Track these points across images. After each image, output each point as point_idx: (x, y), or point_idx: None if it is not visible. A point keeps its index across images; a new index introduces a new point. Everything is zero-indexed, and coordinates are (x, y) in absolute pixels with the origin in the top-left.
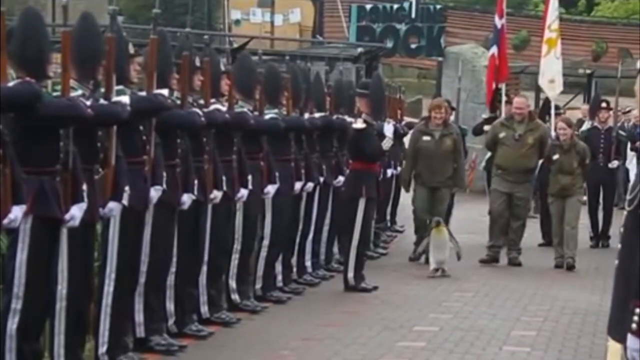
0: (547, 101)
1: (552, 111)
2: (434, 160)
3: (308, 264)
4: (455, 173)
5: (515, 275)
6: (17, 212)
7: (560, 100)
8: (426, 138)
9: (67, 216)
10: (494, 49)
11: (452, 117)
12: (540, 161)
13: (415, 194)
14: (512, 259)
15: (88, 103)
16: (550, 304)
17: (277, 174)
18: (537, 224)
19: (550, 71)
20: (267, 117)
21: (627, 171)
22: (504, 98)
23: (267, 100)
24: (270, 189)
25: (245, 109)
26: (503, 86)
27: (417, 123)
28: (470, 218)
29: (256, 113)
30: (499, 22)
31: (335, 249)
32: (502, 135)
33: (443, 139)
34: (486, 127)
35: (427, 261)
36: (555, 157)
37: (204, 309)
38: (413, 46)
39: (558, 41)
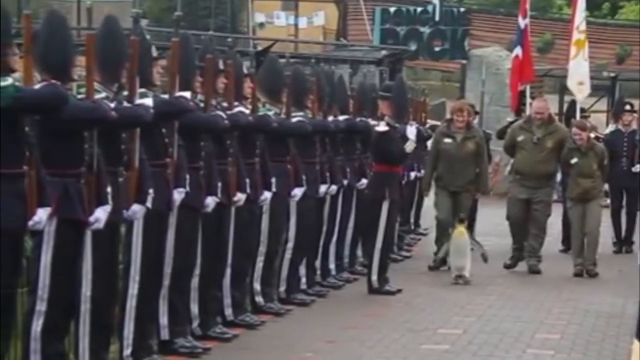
0: (572, 104)
1: (577, 114)
2: (455, 163)
3: (332, 266)
4: (478, 178)
5: (539, 279)
6: (41, 215)
7: (584, 103)
8: (448, 140)
9: (91, 218)
10: (518, 50)
11: (475, 121)
12: None
13: (437, 199)
14: (531, 267)
15: (112, 105)
16: (574, 307)
17: (304, 177)
18: (558, 230)
19: (579, 73)
20: (294, 119)
21: None
22: (528, 100)
23: (293, 103)
24: (297, 191)
25: (271, 112)
26: (527, 88)
27: (440, 125)
28: (494, 222)
29: (283, 116)
30: (522, 22)
31: (359, 252)
32: (520, 138)
33: (465, 142)
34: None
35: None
36: (574, 160)
37: (228, 312)
38: (437, 49)
39: (586, 43)
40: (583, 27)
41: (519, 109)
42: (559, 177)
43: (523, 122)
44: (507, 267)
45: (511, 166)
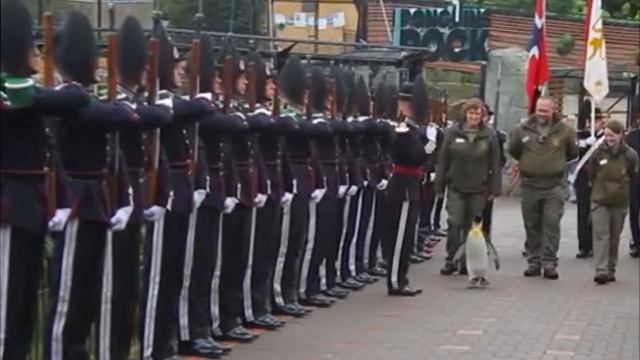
0: (587, 104)
1: (593, 114)
2: (468, 164)
3: (352, 267)
4: (491, 178)
5: (558, 280)
6: (61, 216)
7: (603, 104)
8: (460, 140)
9: (113, 219)
10: (535, 50)
11: (490, 122)
12: (578, 168)
13: (449, 201)
14: (548, 271)
15: (133, 107)
16: (594, 308)
17: (324, 178)
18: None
19: (597, 73)
20: (315, 121)
21: None
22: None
23: (313, 104)
24: (318, 193)
25: (292, 114)
26: (543, 89)
27: (451, 124)
28: (513, 223)
29: (304, 117)
30: (538, 22)
31: (379, 253)
32: (525, 139)
33: (478, 142)
34: None
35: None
36: (603, 162)
37: (248, 312)
38: (456, 50)
39: (603, 42)
40: (599, 25)
41: (534, 111)
42: (572, 178)
43: (527, 122)
44: (527, 274)
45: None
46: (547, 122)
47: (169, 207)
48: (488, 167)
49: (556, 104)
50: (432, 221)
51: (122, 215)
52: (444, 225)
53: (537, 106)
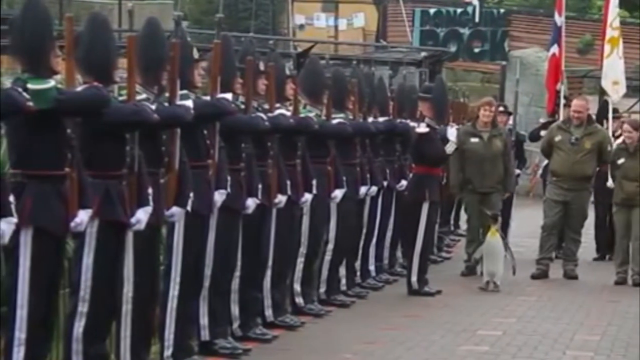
0: (605, 104)
1: (610, 114)
2: (484, 163)
3: (372, 268)
4: (505, 177)
5: (577, 280)
6: (82, 216)
7: (623, 104)
8: (474, 140)
9: (132, 220)
10: (555, 49)
11: (510, 122)
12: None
13: (466, 203)
14: (568, 272)
15: (153, 107)
16: (614, 308)
17: (344, 178)
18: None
19: (614, 72)
20: (334, 121)
21: None
22: (562, 101)
23: (334, 104)
24: (338, 193)
25: (312, 114)
26: (562, 88)
27: (464, 124)
28: (533, 223)
29: (323, 118)
30: (559, 19)
31: (399, 253)
32: (557, 138)
33: (492, 140)
34: (543, 133)
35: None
36: (621, 161)
37: (268, 313)
38: (476, 50)
39: (620, 40)
40: (616, 23)
41: (554, 110)
42: None
43: (561, 122)
44: (534, 277)
45: (542, 170)
46: (581, 124)
47: (189, 208)
48: (503, 165)
49: None
50: (452, 221)
51: (142, 216)
52: (463, 225)
53: (572, 107)
